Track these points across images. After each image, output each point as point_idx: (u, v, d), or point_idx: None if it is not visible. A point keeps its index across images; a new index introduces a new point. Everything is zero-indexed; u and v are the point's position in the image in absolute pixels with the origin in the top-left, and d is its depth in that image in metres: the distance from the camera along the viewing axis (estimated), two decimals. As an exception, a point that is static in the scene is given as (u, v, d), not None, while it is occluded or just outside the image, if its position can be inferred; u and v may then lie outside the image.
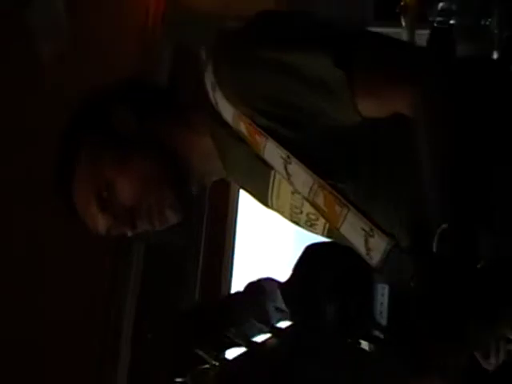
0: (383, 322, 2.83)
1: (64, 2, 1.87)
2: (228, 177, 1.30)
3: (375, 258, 1.06)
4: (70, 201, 1.22)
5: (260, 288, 2.83)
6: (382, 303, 2.85)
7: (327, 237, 1.24)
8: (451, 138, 0.90)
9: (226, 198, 4.16)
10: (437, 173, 0.90)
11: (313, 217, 1.18)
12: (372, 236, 1.04)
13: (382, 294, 2.86)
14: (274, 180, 1.17)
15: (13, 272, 1.74)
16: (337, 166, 1.09)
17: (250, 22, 1.14)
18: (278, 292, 2.86)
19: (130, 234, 1.21)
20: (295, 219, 1.23)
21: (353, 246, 1.09)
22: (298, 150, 1.08)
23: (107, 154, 1.19)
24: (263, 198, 1.24)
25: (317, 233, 1.25)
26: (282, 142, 1.08)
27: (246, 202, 4.14)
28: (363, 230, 1.05)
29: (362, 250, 1.07)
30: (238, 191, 4.22)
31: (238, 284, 3.81)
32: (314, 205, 1.10)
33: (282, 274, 2.97)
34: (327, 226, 1.18)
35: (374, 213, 1.07)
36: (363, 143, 1.08)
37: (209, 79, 1.14)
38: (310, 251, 2.95)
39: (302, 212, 1.19)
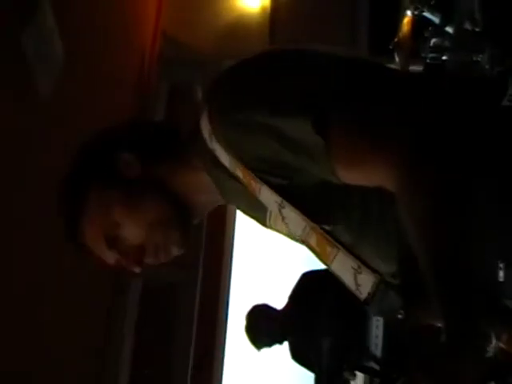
0: (378, 353, 2.84)
1: (59, 36, 1.89)
2: (226, 202, 1.36)
3: (364, 293, 1.11)
4: (80, 241, 1.28)
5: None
6: (376, 336, 2.87)
7: None
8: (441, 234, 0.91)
9: (222, 226, 4.19)
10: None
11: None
12: (360, 273, 1.10)
13: (377, 326, 2.88)
14: (270, 213, 1.24)
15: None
16: (327, 211, 1.15)
17: (240, 71, 1.18)
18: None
19: (137, 270, 1.28)
20: (294, 240, 1.27)
21: (344, 282, 1.14)
22: (290, 196, 1.13)
23: (114, 198, 1.25)
24: (262, 222, 1.30)
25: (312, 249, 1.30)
26: (275, 188, 1.14)
27: (243, 230, 4.16)
28: (352, 267, 1.11)
29: (352, 285, 1.13)
30: (235, 220, 4.25)
31: (234, 314, 3.84)
32: (306, 244, 1.16)
33: (279, 300, 2.99)
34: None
35: (364, 251, 1.14)
36: (351, 190, 1.11)
37: (205, 127, 1.19)
38: (306, 279, 2.97)
39: (297, 240, 1.23)
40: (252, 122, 1.10)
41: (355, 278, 1.11)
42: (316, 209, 1.14)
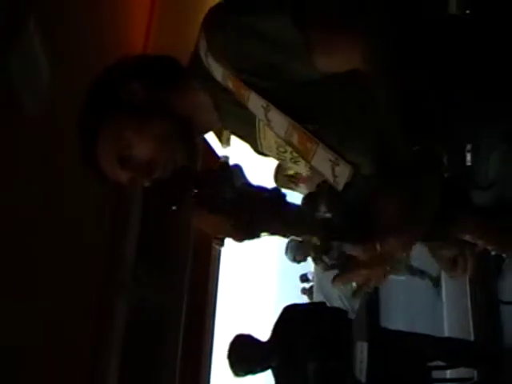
0: (363, 379, 2.85)
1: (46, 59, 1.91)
2: (222, 126, 1.49)
3: (340, 184, 1.25)
4: (96, 165, 1.41)
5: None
6: (361, 361, 2.88)
7: (309, 170, 1.43)
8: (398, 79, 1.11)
9: (207, 261, 4.18)
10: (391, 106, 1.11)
11: (296, 154, 1.37)
12: (337, 165, 1.23)
13: (362, 351, 2.90)
14: (259, 123, 1.36)
15: None
16: (308, 110, 1.27)
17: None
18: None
19: (148, 183, 1.41)
20: (282, 158, 1.43)
21: (323, 175, 1.27)
22: (275, 98, 1.25)
23: (123, 122, 1.37)
24: (253, 141, 1.44)
25: (300, 169, 1.46)
26: (262, 93, 1.26)
27: (227, 267, 4.16)
28: (330, 160, 1.23)
29: (330, 177, 1.26)
30: (219, 257, 4.26)
31: (219, 344, 3.82)
32: (290, 144, 1.29)
33: (262, 333, 3.01)
34: (308, 164, 1.37)
35: (344, 148, 1.27)
36: (332, 90, 1.24)
37: (202, 47, 1.32)
38: (289, 312, 2.99)
39: (286, 151, 1.39)
40: (240, 27, 1.24)
41: (333, 170, 1.24)
42: (298, 109, 1.25)
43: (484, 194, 1.29)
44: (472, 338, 3.64)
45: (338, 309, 3.45)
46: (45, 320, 1.99)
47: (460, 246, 1.42)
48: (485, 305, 3.71)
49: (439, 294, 4.62)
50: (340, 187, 1.25)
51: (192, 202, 1.31)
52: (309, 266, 7.11)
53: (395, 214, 1.03)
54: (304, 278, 7.81)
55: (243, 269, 7.88)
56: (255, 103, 1.26)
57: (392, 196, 1.06)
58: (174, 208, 1.23)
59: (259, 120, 1.34)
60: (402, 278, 4.84)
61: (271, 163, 5.20)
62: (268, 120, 1.27)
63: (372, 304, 5.91)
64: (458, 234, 1.28)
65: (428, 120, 1.10)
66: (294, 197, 5.16)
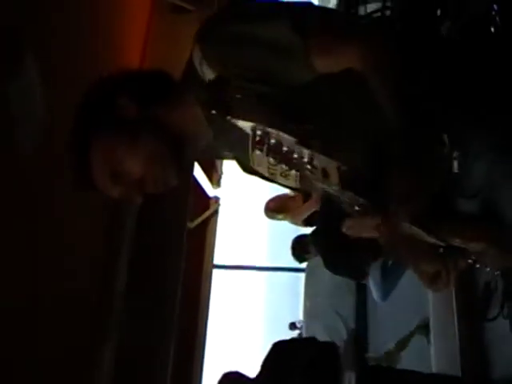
0: (352, 408, 2.86)
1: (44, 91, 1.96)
2: (214, 140, 1.51)
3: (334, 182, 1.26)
4: (88, 180, 1.45)
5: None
6: (350, 391, 2.89)
7: (299, 185, 1.47)
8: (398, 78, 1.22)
9: (196, 297, 4.20)
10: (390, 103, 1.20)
11: (286, 168, 1.39)
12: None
13: (349, 381, 2.90)
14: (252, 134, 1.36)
15: None
16: (304, 112, 1.31)
17: (224, 7, 1.46)
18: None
19: (139, 200, 1.45)
20: (272, 172, 1.46)
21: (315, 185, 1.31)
22: (272, 102, 1.28)
23: (115, 139, 1.41)
24: (245, 156, 1.45)
25: (291, 184, 1.49)
26: (260, 98, 1.29)
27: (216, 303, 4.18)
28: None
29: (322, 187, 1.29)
30: (209, 294, 4.29)
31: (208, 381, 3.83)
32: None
33: (251, 370, 3.02)
34: (298, 178, 1.41)
35: (339, 146, 1.29)
36: (327, 91, 1.32)
37: (196, 56, 1.36)
38: (278, 348, 3.01)
39: (277, 165, 1.41)
40: (238, 35, 1.30)
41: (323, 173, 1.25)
42: (294, 111, 1.28)
43: (470, 203, 1.34)
44: (459, 373, 3.66)
45: (327, 343, 3.46)
46: (42, 356, 2.02)
47: (442, 260, 1.47)
48: (472, 341, 3.73)
49: (427, 316, 4.66)
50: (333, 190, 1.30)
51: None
52: (297, 314, 7.12)
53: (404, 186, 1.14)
54: (292, 326, 7.83)
55: (232, 305, 7.83)
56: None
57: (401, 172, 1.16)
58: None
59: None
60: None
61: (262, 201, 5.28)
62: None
63: (360, 335, 5.94)
64: (454, 232, 1.32)
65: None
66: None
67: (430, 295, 4.66)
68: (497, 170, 1.31)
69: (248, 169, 1.56)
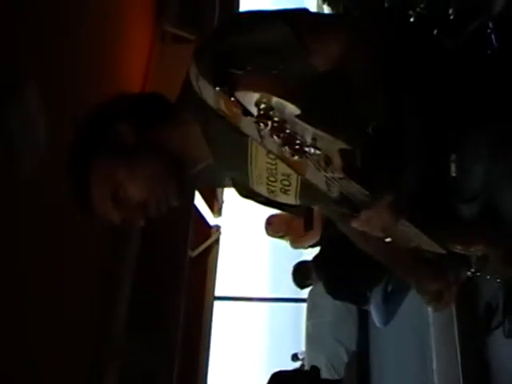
0: None
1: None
2: (214, 160, 1.52)
3: (335, 192, 1.27)
4: (89, 206, 1.45)
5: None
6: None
7: (300, 200, 1.50)
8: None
9: (198, 325, 4.19)
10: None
11: (286, 183, 1.43)
12: None
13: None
14: (251, 146, 1.40)
15: None
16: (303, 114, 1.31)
17: (220, 23, 1.40)
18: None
19: (141, 224, 1.46)
20: (272, 189, 1.47)
21: (317, 186, 1.28)
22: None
23: (115, 165, 1.42)
24: (244, 176, 1.48)
25: (291, 199, 1.50)
26: None
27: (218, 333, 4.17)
28: None
29: (323, 188, 1.27)
30: (211, 322, 4.28)
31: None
32: (283, 159, 1.28)
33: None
34: (298, 191, 1.45)
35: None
36: (323, 87, 1.32)
37: (193, 73, 1.37)
38: (277, 378, 3.01)
39: (276, 180, 1.44)
40: (238, 46, 1.32)
41: (327, 181, 1.25)
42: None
43: (469, 207, 1.36)
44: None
45: (327, 379, 3.45)
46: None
47: (444, 279, 1.49)
48: (474, 359, 3.73)
49: (429, 349, 4.64)
50: (334, 195, 1.30)
51: None
52: (300, 344, 7.07)
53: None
54: (295, 358, 7.78)
55: (234, 336, 7.79)
56: (248, 121, 1.27)
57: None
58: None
59: (251, 141, 1.37)
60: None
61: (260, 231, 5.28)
62: (261, 137, 1.29)
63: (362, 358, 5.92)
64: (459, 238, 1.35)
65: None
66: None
67: (431, 319, 4.66)
68: (494, 172, 1.34)
69: (246, 191, 1.58)
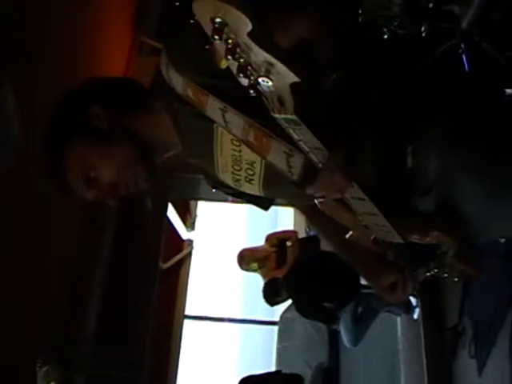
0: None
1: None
2: (183, 147, 1.55)
3: (295, 174, 1.31)
4: (64, 185, 1.49)
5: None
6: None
7: (263, 191, 1.52)
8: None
9: (168, 338, 4.16)
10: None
11: (250, 172, 1.47)
12: (292, 155, 1.30)
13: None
14: (217, 133, 1.43)
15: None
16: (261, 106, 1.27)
17: None
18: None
19: (112, 203, 1.51)
20: (237, 177, 1.51)
21: (279, 169, 1.33)
22: (230, 100, 1.31)
23: (88, 147, 1.46)
24: (210, 163, 1.52)
25: (255, 189, 1.53)
26: (221, 95, 1.32)
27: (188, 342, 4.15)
28: (284, 152, 1.29)
29: (285, 169, 1.32)
30: (181, 334, 4.26)
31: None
32: (246, 143, 1.34)
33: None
34: (261, 180, 1.48)
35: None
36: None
37: (163, 62, 1.42)
38: (245, 381, 3.01)
39: (241, 169, 1.48)
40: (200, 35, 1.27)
41: (287, 161, 1.30)
42: (253, 105, 1.24)
43: (425, 200, 1.40)
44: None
45: (294, 375, 3.46)
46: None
47: (398, 271, 1.52)
48: (441, 380, 3.77)
49: (397, 362, 4.67)
50: (295, 177, 1.33)
51: None
52: (271, 366, 7.06)
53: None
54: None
55: (204, 357, 7.75)
56: (213, 107, 1.33)
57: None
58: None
59: (217, 128, 1.41)
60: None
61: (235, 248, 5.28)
62: (226, 122, 1.34)
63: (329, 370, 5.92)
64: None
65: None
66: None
67: (400, 342, 4.70)
68: (448, 165, 1.37)
69: (214, 181, 1.62)
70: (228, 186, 1.60)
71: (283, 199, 1.72)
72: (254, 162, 1.45)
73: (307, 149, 1.21)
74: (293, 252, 4.91)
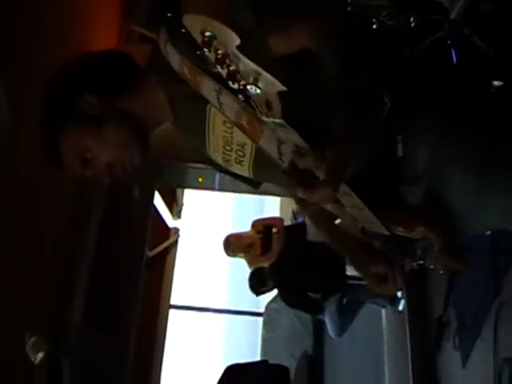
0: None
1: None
2: (174, 123, 1.57)
3: (286, 161, 1.29)
4: (62, 167, 1.53)
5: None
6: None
7: (253, 173, 1.54)
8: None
9: (154, 324, 4.15)
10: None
11: (240, 153, 1.48)
12: (283, 143, 1.27)
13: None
14: (209, 113, 1.45)
15: None
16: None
17: None
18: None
19: (108, 181, 1.56)
20: (228, 158, 1.52)
21: (270, 155, 1.30)
22: (225, 83, 1.28)
23: (83, 132, 1.49)
24: (202, 141, 1.53)
25: (244, 171, 1.54)
26: (214, 77, 1.27)
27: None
28: (276, 139, 1.27)
29: (275, 156, 1.29)
30: (167, 319, 4.26)
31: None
32: (239, 126, 1.31)
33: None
34: (251, 162, 1.49)
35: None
36: (281, 67, 1.25)
37: (162, 38, 1.43)
38: (231, 371, 3.03)
39: (232, 149, 1.49)
40: None
41: (279, 149, 1.28)
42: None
43: (413, 191, 1.40)
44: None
45: (279, 365, 3.48)
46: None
47: (388, 263, 1.53)
48: (425, 371, 3.79)
49: (382, 353, 4.70)
50: (285, 165, 1.32)
51: None
52: (256, 357, 7.08)
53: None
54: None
55: (189, 347, 7.76)
56: (208, 87, 1.33)
57: None
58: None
59: (210, 108, 1.42)
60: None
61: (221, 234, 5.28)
62: (220, 103, 1.33)
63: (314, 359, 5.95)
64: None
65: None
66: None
67: (385, 334, 4.73)
68: (437, 155, 1.38)
69: (205, 158, 1.62)
70: (217, 164, 1.61)
71: (272, 183, 1.72)
72: (245, 144, 1.46)
73: (295, 151, 1.21)
74: (278, 239, 4.92)
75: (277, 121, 1.10)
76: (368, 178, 1.29)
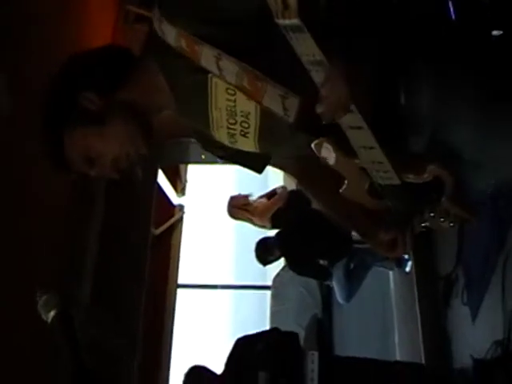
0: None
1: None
2: (177, 106, 1.53)
3: (291, 116, 1.32)
4: (67, 167, 1.52)
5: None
6: (312, 370, 2.93)
7: (259, 145, 1.50)
8: None
9: (163, 301, 4.16)
10: None
11: (245, 125, 1.44)
12: (287, 98, 1.30)
13: (312, 360, 2.95)
14: (211, 85, 1.40)
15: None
16: (254, 51, 1.32)
17: None
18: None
19: (116, 177, 1.52)
20: (232, 132, 1.48)
21: (274, 113, 1.32)
22: (224, 46, 1.32)
23: (85, 130, 1.48)
24: (205, 120, 1.48)
25: (250, 144, 1.51)
26: (215, 42, 1.31)
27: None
28: (279, 95, 1.29)
29: (280, 112, 1.31)
30: (175, 295, 4.26)
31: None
32: (241, 89, 1.33)
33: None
34: (257, 133, 1.45)
35: (294, 80, 1.31)
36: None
37: (156, 17, 1.40)
38: (241, 344, 3.04)
39: (236, 122, 1.44)
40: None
41: (283, 105, 1.30)
42: (247, 51, 1.31)
43: (418, 140, 1.41)
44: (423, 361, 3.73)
45: (288, 332, 3.51)
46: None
47: (397, 227, 1.54)
48: (435, 329, 3.81)
49: (390, 316, 4.73)
50: (291, 120, 1.32)
51: None
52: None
53: None
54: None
55: (198, 323, 7.79)
56: (208, 55, 1.32)
57: None
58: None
59: (211, 79, 1.38)
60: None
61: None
62: (220, 70, 1.33)
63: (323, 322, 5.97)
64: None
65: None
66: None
67: (393, 294, 4.75)
68: (441, 102, 1.38)
69: (209, 143, 1.60)
70: (221, 147, 1.58)
71: (277, 156, 1.69)
72: (249, 114, 1.42)
73: (309, 66, 1.18)
74: (283, 191, 4.81)
75: (294, 21, 1.06)
76: (374, 126, 1.30)
